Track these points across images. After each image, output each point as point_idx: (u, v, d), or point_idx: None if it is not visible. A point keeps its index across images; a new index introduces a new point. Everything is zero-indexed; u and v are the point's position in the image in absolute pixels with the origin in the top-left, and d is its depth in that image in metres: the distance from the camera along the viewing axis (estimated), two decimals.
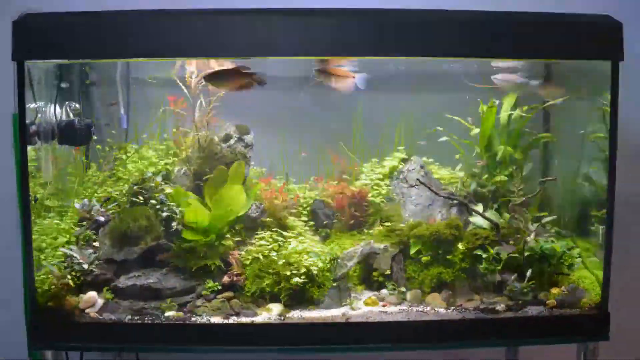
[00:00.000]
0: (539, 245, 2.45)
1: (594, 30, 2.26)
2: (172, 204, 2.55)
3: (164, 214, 2.51)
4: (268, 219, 2.68)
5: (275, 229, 2.64)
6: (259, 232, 2.62)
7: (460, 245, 2.50)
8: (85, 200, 2.60)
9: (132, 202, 2.55)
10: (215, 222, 2.57)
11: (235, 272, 2.45)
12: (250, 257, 2.47)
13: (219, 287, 2.42)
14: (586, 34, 2.26)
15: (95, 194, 2.68)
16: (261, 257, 2.46)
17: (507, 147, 2.83)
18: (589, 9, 2.33)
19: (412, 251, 2.53)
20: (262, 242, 2.54)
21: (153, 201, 2.54)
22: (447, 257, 2.49)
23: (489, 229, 2.55)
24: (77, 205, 2.57)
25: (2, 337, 2.98)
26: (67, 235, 2.49)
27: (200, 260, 2.45)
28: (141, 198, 2.55)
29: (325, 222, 2.80)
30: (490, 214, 2.61)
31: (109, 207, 2.58)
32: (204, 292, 2.41)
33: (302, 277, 2.38)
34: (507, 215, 2.61)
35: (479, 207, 2.68)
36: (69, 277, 2.32)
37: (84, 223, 2.55)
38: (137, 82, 2.86)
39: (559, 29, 2.26)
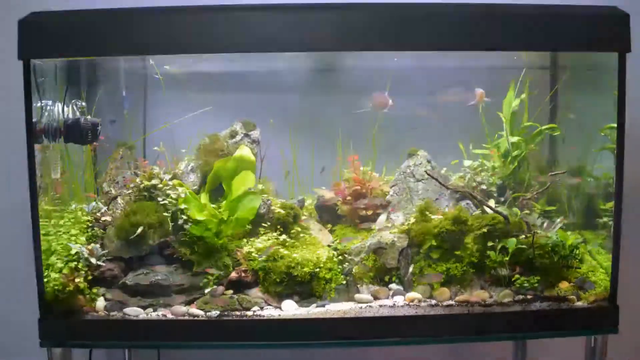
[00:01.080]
0: (550, 238, 2.44)
1: (600, 21, 2.25)
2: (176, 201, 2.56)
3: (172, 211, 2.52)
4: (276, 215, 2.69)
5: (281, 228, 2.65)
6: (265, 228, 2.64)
7: (468, 240, 2.50)
8: (93, 203, 2.61)
9: (139, 200, 2.55)
10: (236, 227, 2.59)
11: (242, 269, 2.46)
12: (259, 254, 2.48)
13: (214, 277, 2.42)
14: (593, 26, 2.25)
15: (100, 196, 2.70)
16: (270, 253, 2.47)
17: (513, 136, 2.82)
18: (596, 0, 2.32)
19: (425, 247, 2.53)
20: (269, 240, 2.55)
21: (160, 199, 2.54)
22: (455, 252, 2.49)
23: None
24: (85, 207, 2.58)
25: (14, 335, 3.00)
26: (75, 233, 2.50)
27: (209, 259, 2.46)
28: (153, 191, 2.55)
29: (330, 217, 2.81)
30: (499, 207, 2.60)
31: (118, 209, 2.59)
32: (208, 287, 2.42)
33: (309, 273, 2.39)
34: (516, 210, 2.60)
35: (489, 201, 2.67)
36: (77, 276, 2.34)
37: (92, 222, 2.57)
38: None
39: (566, 21, 2.24)
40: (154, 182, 2.57)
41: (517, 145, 2.83)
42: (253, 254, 2.46)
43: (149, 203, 2.51)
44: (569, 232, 2.49)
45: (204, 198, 2.60)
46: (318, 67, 2.92)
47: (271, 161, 2.87)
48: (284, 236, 2.58)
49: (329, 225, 2.80)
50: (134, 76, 2.91)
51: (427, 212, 2.57)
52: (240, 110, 2.93)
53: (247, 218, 2.58)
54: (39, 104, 2.39)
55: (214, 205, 2.60)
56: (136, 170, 2.70)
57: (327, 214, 2.84)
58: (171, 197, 2.53)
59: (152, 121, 2.93)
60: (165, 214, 2.49)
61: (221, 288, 2.40)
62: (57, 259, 2.36)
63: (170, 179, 2.62)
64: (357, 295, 2.43)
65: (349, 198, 2.79)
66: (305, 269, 2.38)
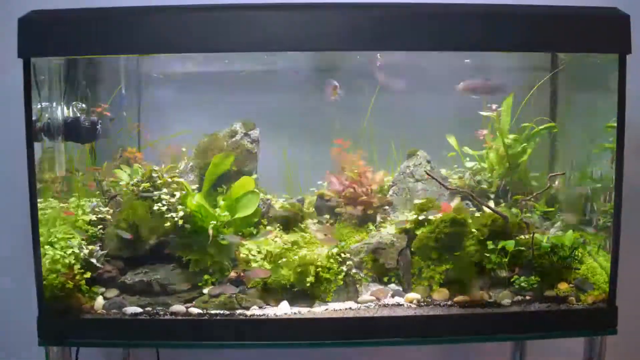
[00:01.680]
0: (550, 240, 2.44)
1: (601, 22, 2.25)
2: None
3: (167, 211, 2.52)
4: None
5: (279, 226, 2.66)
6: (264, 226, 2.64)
7: (468, 243, 2.50)
8: (94, 202, 2.60)
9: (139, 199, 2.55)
10: (240, 227, 2.61)
11: (241, 269, 2.46)
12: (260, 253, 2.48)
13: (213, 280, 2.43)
14: (593, 27, 2.24)
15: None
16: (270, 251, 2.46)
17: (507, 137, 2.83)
18: (596, 1, 2.32)
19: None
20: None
21: (159, 200, 2.54)
22: (455, 253, 2.48)
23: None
24: (88, 204, 2.57)
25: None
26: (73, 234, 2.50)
27: (207, 258, 2.46)
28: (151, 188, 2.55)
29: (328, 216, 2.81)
30: (497, 208, 2.60)
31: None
32: (206, 286, 2.42)
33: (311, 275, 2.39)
34: (517, 210, 2.61)
35: (488, 201, 2.67)
36: (77, 274, 2.34)
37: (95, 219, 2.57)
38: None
39: (566, 22, 2.24)
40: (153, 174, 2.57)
41: (514, 145, 2.83)
42: (250, 255, 2.46)
43: (141, 205, 2.50)
44: (570, 231, 2.49)
45: (199, 197, 2.60)
46: (315, 66, 2.92)
47: (269, 160, 2.87)
48: (289, 236, 2.57)
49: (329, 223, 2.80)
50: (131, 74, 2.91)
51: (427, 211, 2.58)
52: (237, 109, 2.93)
53: (251, 218, 2.57)
54: (39, 106, 2.39)
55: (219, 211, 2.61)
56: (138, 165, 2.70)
57: (327, 214, 2.84)
58: (169, 198, 2.53)
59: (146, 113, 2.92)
60: (170, 213, 2.49)
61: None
62: (56, 256, 2.36)
63: (170, 177, 2.62)
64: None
65: (349, 190, 2.77)
66: (309, 278, 2.37)
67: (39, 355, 2.36)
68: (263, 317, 2.29)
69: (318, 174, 2.95)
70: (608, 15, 2.26)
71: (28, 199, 2.21)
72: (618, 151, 2.28)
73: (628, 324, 2.41)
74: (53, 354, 2.32)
